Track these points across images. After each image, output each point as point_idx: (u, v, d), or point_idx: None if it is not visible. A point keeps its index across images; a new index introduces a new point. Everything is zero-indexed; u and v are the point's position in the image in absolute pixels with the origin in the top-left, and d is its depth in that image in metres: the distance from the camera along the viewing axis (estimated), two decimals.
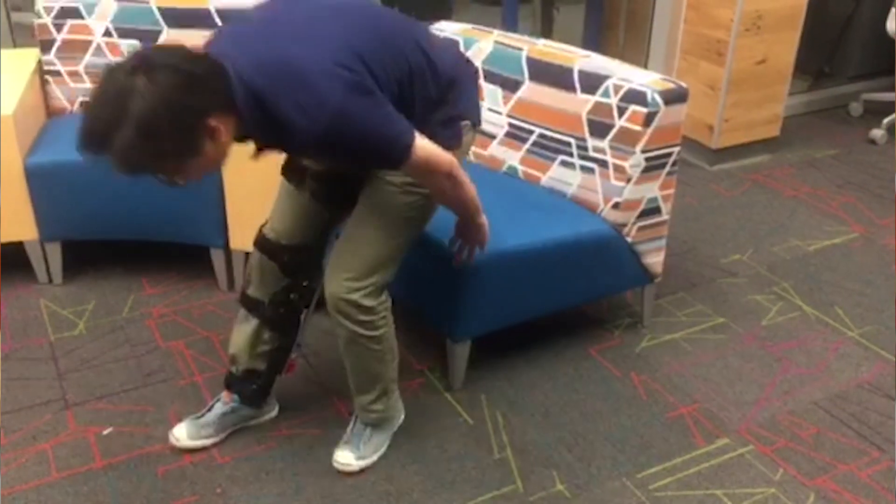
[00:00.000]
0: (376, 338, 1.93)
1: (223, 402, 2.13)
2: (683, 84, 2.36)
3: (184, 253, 2.77)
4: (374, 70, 1.60)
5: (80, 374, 2.37)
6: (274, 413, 2.22)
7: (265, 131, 1.61)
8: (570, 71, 2.41)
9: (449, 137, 1.79)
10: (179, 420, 2.17)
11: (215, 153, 1.57)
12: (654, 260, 2.53)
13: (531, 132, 2.52)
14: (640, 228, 2.43)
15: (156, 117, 1.44)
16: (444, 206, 1.88)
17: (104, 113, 1.45)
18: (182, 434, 2.10)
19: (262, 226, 2.03)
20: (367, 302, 1.86)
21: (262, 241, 2.01)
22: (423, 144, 1.66)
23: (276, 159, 2.33)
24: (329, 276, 1.89)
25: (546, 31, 4.38)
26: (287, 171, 1.97)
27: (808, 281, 2.92)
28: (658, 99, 2.26)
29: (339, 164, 1.86)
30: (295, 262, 1.99)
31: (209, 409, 2.13)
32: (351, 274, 1.85)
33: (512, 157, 2.57)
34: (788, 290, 2.87)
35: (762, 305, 2.78)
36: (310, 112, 1.53)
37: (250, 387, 2.11)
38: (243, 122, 1.58)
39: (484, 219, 1.93)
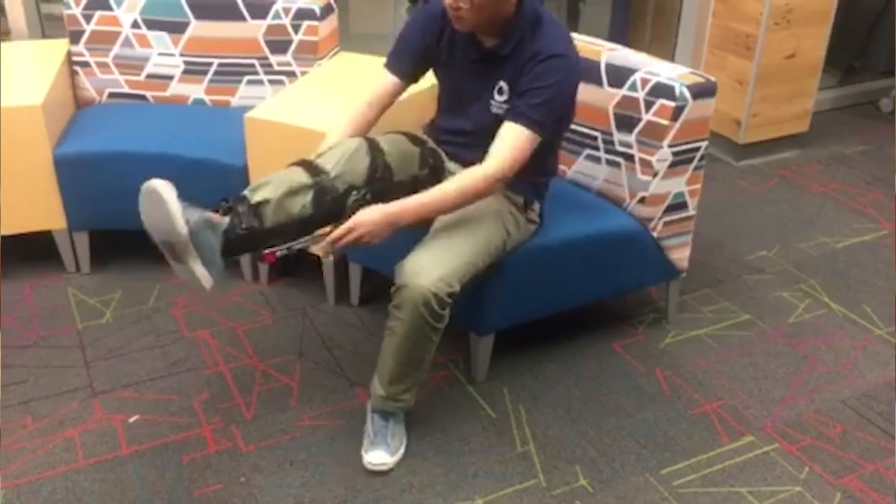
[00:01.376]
0: (438, 329, 1.97)
1: (210, 215, 1.83)
2: (712, 78, 2.34)
3: None
4: None
5: (107, 362, 2.39)
6: (209, 285, 1.81)
7: (520, 33, 1.95)
8: (596, 64, 2.39)
9: None
10: (205, 411, 2.19)
11: (493, 4, 1.90)
12: (680, 255, 2.51)
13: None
14: (667, 223, 2.41)
15: None
16: (457, 184, 1.96)
17: None
18: (172, 196, 1.75)
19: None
20: (448, 298, 1.93)
21: (367, 138, 2.08)
22: (540, 142, 1.97)
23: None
24: (421, 269, 1.91)
25: (572, 24, 4.35)
26: (406, 133, 2.19)
27: (835, 278, 2.89)
28: (686, 93, 2.24)
29: (525, 96, 1.95)
30: (381, 171, 2.04)
31: (196, 208, 1.82)
32: (445, 271, 1.92)
33: None
34: (816, 288, 2.83)
35: (789, 303, 2.75)
36: (562, 43, 1.96)
37: (251, 222, 1.86)
38: (514, 18, 1.95)
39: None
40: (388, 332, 2.00)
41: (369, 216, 1.90)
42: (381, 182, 2.04)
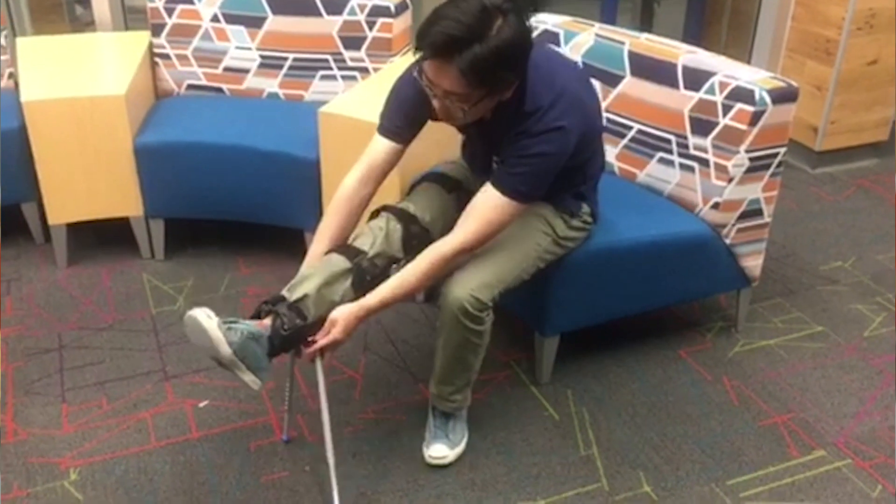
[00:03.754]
0: (481, 332, 1.95)
1: (253, 325, 1.79)
2: (794, 83, 2.29)
3: (279, 235, 2.84)
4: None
5: (179, 347, 2.45)
6: (258, 387, 1.78)
7: (513, 116, 1.80)
8: (673, 66, 2.36)
9: None
10: (270, 398, 2.23)
11: (489, 106, 1.77)
12: (753, 263, 2.46)
13: (630, 128, 2.48)
14: (740, 230, 2.37)
15: (511, 48, 1.66)
16: (426, 261, 1.86)
17: (472, 23, 1.63)
18: (212, 323, 1.71)
19: (395, 204, 2.07)
20: (489, 304, 1.92)
21: (395, 208, 2.03)
22: (522, 211, 1.88)
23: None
24: (461, 277, 1.90)
25: (645, 25, 4.30)
26: (440, 177, 2.13)
27: None
28: (766, 97, 2.20)
29: (508, 164, 1.85)
30: (417, 238, 1.99)
31: (235, 322, 1.77)
32: (484, 280, 1.91)
33: (608, 154, 2.53)
34: (892, 301, 2.75)
35: (864, 315, 2.68)
36: (559, 114, 1.78)
37: (293, 321, 1.80)
38: (508, 100, 1.78)
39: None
40: (436, 333, 2.01)
41: (345, 315, 1.83)
42: (421, 245, 1.95)
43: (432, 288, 2.02)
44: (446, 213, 2.05)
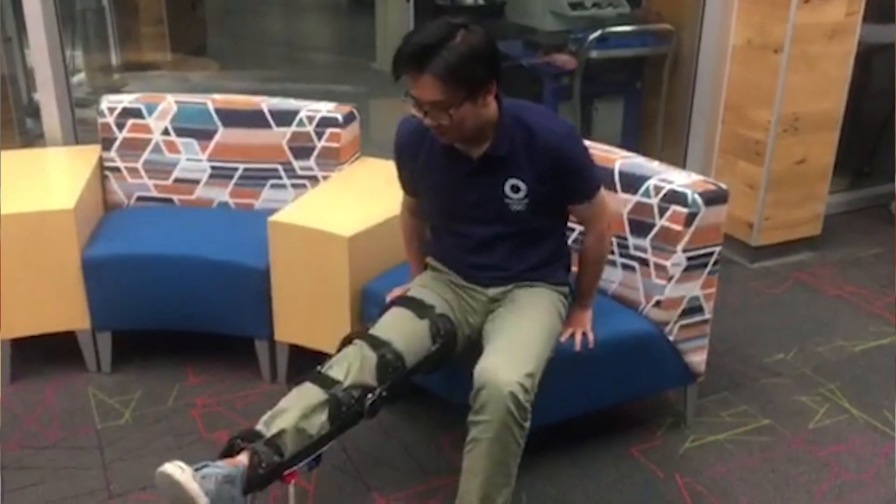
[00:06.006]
0: (524, 429, 1.93)
1: (226, 465, 1.82)
2: (724, 185, 2.40)
3: (228, 343, 2.82)
4: None
5: (125, 463, 2.39)
6: None
7: (511, 133, 2.02)
8: (610, 171, 2.46)
9: None
10: None
11: (473, 115, 1.93)
12: (697, 359, 2.52)
13: (571, 230, 2.56)
14: (683, 327, 2.43)
15: (476, 49, 1.88)
16: (593, 256, 2.22)
17: (435, 33, 1.86)
18: (186, 476, 1.72)
19: (365, 329, 2.10)
20: (532, 390, 1.93)
21: (367, 336, 2.04)
22: (562, 230, 2.25)
23: (321, 265, 2.34)
24: (498, 366, 1.92)
25: (584, 130, 4.47)
26: (411, 302, 2.15)
27: (854, 383, 2.87)
28: (698, 200, 2.30)
29: (548, 183, 2.06)
30: (393, 364, 1.99)
31: (205, 465, 1.79)
32: (526, 367, 1.93)
33: None
34: (835, 392, 2.82)
35: (808, 407, 2.73)
36: (555, 120, 2.09)
37: (271, 458, 1.83)
38: (500, 119, 2.00)
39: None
40: (471, 446, 1.94)
41: (578, 316, 2.26)
42: (395, 373, 2.00)
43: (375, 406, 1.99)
44: (419, 343, 2.07)
